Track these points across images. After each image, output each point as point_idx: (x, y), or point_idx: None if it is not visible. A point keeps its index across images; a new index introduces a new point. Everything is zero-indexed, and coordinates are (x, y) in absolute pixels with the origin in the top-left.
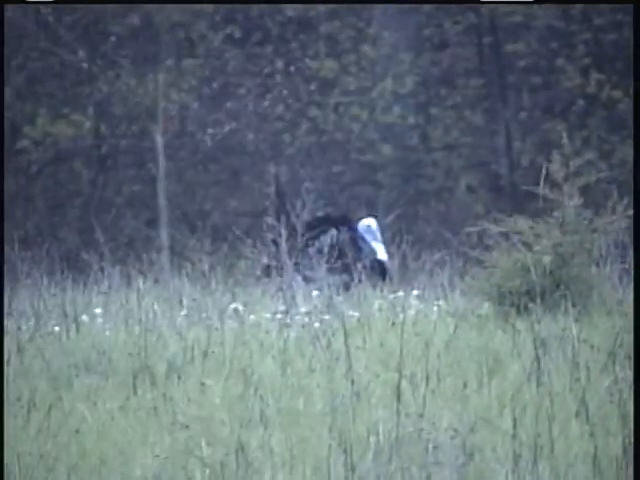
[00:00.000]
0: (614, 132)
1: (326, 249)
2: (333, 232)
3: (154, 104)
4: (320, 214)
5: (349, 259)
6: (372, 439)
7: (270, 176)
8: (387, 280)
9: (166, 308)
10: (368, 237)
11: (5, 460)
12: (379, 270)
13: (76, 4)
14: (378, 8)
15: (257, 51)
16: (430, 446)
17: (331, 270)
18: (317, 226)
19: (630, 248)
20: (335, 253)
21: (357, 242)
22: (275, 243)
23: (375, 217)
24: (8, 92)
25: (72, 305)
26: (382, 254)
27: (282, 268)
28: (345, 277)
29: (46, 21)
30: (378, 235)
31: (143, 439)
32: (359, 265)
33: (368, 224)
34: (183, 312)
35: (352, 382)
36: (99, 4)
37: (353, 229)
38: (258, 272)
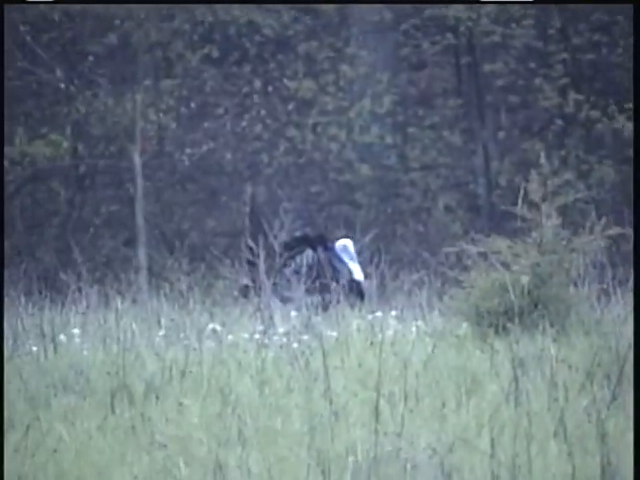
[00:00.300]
0: (592, 152)
1: (303, 269)
2: (309, 252)
3: (132, 124)
4: (298, 234)
5: (326, 279)
6: (350, 458)
7: (248, 196)
8: (365, 300)
9: (144, 328)
10: (345, 257)
11: None
12: (356, 290)
13: (76, 4)
14: (356, 28)
15: (235, 71)
16: (408, 465)
17: (309, 290)
18: (294, 246)
19: (608, 268)
20: (312, 273)
21: (333, 262)
22: (253, 263)
23: (351, 238)
24: None
25: (50, 325)
26: (358, 274)
27: (260, 288)
28: (324, 296)
29: (24, 40)
30: (354, 255)
31: (121, 459)
32: (335, 285)
33: (344, 244)
34: (161, 332)
35: (330, 402)
36: (99, 4)
37: (329, 249)
38: (236, 292)
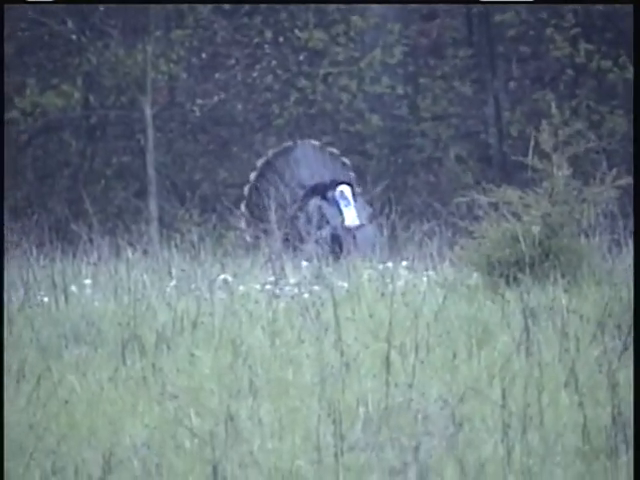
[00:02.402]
0: (603, 102)
1: (314, 219)
2: (317, 201)
3: (143, 75)
4: (311, 183)
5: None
6: (361, 409)
7: (259, 147)
8: (344, 251)
9: (155, 279)
10: (341, 203)
11: None
12: (337, 240)
13: (76, 4)
14: None
15: (246, 21)
16: (419, 416)
17: (318, 240)
18: (305, 196)
19: (620, 219)
20: (322, 222)
21: (323, 209)
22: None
23: (350, 185)
24: None
25: (61, 276)
26: (351, 220)
27: (271, 238)
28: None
29: None
30: (350, 201)
31: (132, 409)
32: (319, 234)
33: (341, 190)
34: (172, 283)
35: (341, 353)
36: (99, 4)
37: (327, 197)
38: (248, 240)
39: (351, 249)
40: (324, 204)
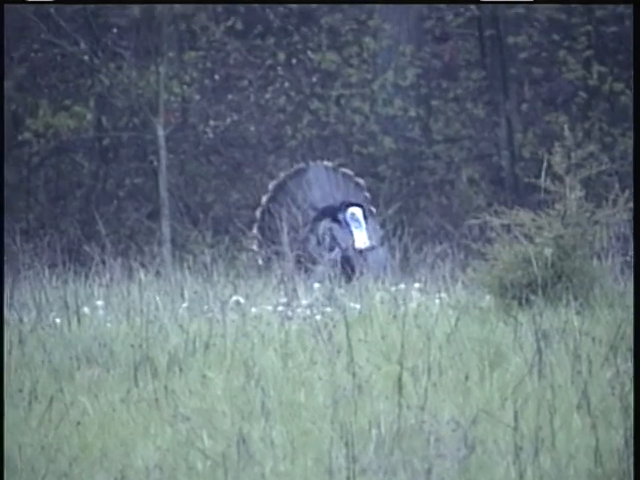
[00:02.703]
0: (616, 124)
1: (326, 241)
2: (327, 223)
3: (156, 96)
4: (322, 205)
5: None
6: (374, 431)
7: (272, 168)
8: (356, 272)
9: (168, 300)
10: (352, 225)
11: (6, 451)
12: (349, 261)
13: (76, 4)
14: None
15: (259, 43)
16: (432, 438)
17: (331, 262)
18: (316, 218)
19: (631, 241)
20: (333, 244)
21: (334, 231)
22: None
23: (361, 207)
24: (9, 84)
25: (74, 297)
26: (360, 242)
27: (283, 260)
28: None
29: (47, 12)
30: (362, 223)
31: (144, 431)
32: (330, 256)
33: (352, 212)
34: (185, 304)
35: (354, 375)
36: (99, 4)
37: (338, 219)
38: (260, 262)
39: (363, 271)
40: (335, 226)
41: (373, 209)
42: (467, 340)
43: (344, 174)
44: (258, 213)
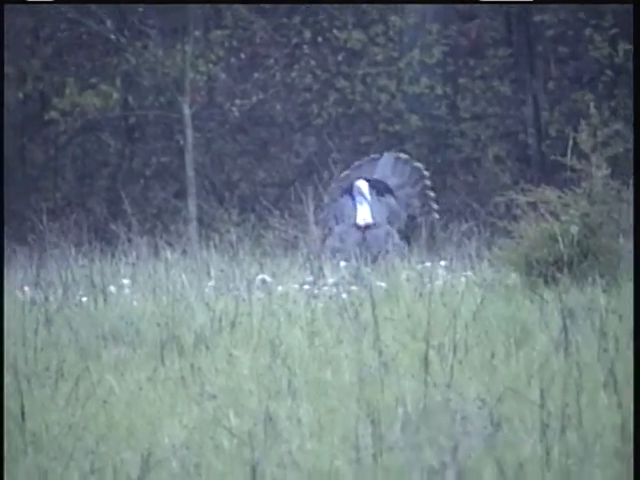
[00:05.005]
0: None
1: (338, 217)
2: (345, 199)
3: (182, 75)
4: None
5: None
6: (400, 409)
7: (298, 147)
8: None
9: (194, 279)
10: (357, 199)
11: (33, 430)
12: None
13: (76, 4)
14: None
15: (285, 22)
16: (458, 416)
17: (359, 241)
18: (340, 195)
19: None
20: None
21: (344, 207)
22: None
23: (368, 181)
24: (36, 63)
25: (100, 276)
26: (362, 218)
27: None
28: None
29: None
30: (366, 198)
31: (171, 409)
32: (328, 231)
33: (358, 185)
34: (211, 283)
35: (380, 353)
36: (100, 4)
37: (353, 195)
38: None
39: (359, 249)
40: (348, 202)
41: (432, 194)
42: (493, 318)
43: (397, 158)
44: (327, 199)
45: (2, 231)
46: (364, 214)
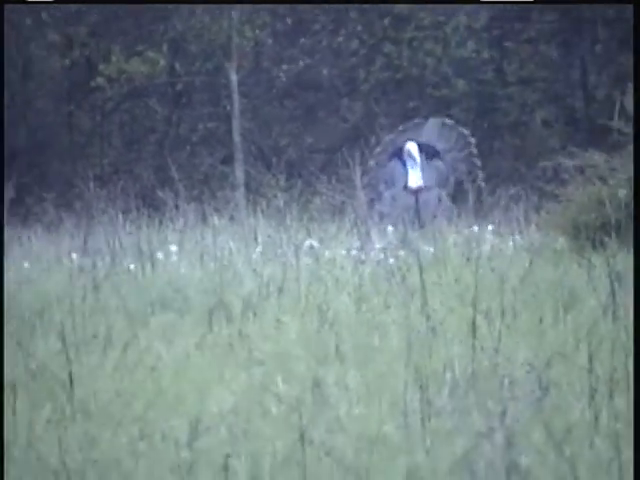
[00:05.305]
0: None
1: (388, 181)
2: (394, 162)
3: (228, 41)
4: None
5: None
6: (448, 374)
7: (345, 112)
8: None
9: (241, 245)
10: (408, 163)
11: (82, 397)
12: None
13: (76, 4)
14: None
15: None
16: (506, 381)
17: (410, 204)
18: (389, 158)
19: None
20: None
21: (391, 169)
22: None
23: (417, 143)
24: (83, 30)
25: (147, 243)
26: (414, 181)
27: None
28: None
29: None
30: (416, 161)
31: (219, 376)
32: (386, 194)
33: (408, 148)
34: (258, 249)
35: (427, 317)
36: (101, 4)
37: (403, 158)
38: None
39: (408, 214)
40: (398, 165)
41: (478, 162)
42: (541, 282)
43: (444, 123)
44: (372, 163)
45: (2, 229)
46: (416, 177)
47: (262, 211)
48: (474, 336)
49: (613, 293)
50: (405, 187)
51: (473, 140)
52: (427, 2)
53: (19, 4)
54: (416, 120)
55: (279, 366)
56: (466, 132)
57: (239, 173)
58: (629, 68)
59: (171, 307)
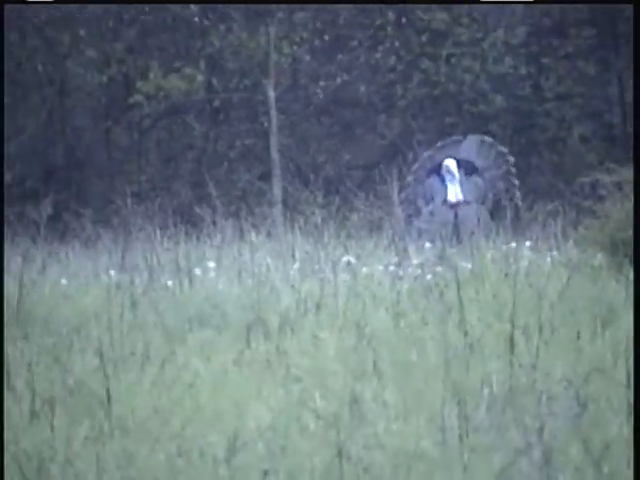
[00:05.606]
0: None
1: (427, 196)
2: (432, 179)
3: (266, 57)
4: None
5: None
6: (485, 390)
7: (382, 128)
8: (457, 226)
9: (279, 261)
10: (446, 178)
11: (120, 414)
12: (444, 215)
13: (76, 4)
14: None
15: (368, 3)
16: (544, 397)
17: (450, 219)
18: (427, 175)
19: None
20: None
21: (430, 185)
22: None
23: (455, 160)
24: (120, 46)
25: (185, 259)
26: (453, 195)
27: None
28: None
29: None
30: (455, 176)
31: (257, 392)
32: (425, 210)
33: (447, 164)
34: (296, 265)
35: (465, 333)
36: (101, 4)
37: (441, 174)
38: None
39: (452, 227)
40: (436, 181)
41: (516, 181)
42: (579, 298)
43: (483, 141)
44: (410, 179)
45: (2, 229)
46: (455, 191)
47: (300, 227)
48: (512, 352)
49: None
50: (444, 202)
51: (511, 159)
52: (428, 2)
53: (19, 4)
54: (454, 137)
55: (317, 382)
56: (504, 150)
57: (277, 190)
58: None
59: (209, 323)
